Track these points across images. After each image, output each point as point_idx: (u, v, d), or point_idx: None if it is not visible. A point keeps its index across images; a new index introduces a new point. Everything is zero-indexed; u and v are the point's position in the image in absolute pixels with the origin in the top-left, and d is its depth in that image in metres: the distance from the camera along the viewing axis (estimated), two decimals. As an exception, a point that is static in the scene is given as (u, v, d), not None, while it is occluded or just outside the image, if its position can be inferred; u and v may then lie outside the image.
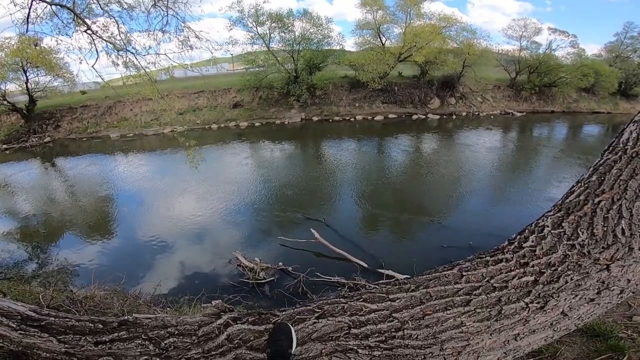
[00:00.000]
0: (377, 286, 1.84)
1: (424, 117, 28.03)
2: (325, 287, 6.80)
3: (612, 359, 2.44)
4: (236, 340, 1.42)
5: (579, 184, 2.08)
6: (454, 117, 28.49)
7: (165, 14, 5.75)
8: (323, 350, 1.41)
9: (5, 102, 25.26)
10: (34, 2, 4.59)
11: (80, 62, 5.65)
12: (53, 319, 1.29)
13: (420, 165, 16.10)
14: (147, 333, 1.36)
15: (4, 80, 24.89)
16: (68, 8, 5.02)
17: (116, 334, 1.33)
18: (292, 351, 1.36)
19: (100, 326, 1.34)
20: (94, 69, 5.72)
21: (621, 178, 1.91)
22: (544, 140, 22.37)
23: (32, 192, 15.15)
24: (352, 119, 27.27)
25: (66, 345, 1.24)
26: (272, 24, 26.22)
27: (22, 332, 1.22)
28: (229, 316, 1.53)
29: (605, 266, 1.65)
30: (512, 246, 1.87)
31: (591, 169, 2.13)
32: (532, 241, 1.82)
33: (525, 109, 31.18)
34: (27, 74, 25.16)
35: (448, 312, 1.53)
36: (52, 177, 18.01)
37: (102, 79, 6.40)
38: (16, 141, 24.35)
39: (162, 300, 5.53)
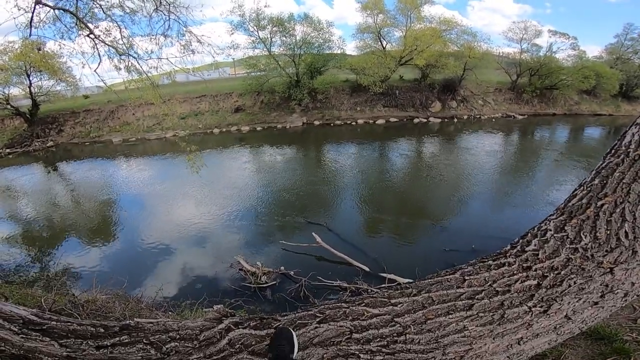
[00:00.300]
0: (379, 291, 1.84)
1: (425, 120, 28.00)
2: (327, 291, 6.78)
3: (617, 362, 2.42)
4: (238, 345, 1.41)
5: (582, 188, 2.07)
6: (456, 120, 28.47)
7: (167, 19, 5.78)
8: (325, 355, 1.40)
9: (8, 107, 25.43)
10: (37, 6, 4.62)
11: (83, 67, 5.71)
12: (55, 323, 1.29)
13: (422, 169, 16.08)
14: (149, 337, 1.35)
15: (7, 84, 25.09)
16: (71, 12, 5.06)
17: (118, 338, 1.33)
18: (294, 356, 1.36)
19: (102, 330, 1.34)
20: (96, 73, 5.77)
21: (624, 181, 1.90)
22: (545, 143, 22.32)
23: (34, 197, 15.22)
24: (354, 123, 27.26)
25: (68, 349, 1.24)
26: (273, 28, 26.34)
27: (24, 336, 1.22)
28: (231, 321, 1.52)
29: (608, 269, 1.64)
30: (515, 250, 1.86)
31: (593, 172, 2.12)
32: (535, 245, 1.82)
33: (526, 111, 31.15)
34: (31, 78, 25.36)
35: (450, 316, 1.52)
36: (54, 182, 18.06)
37: (105, 83, 6.43)
38: (19, 145, 24.48)
39: (164, 304, 5.53)
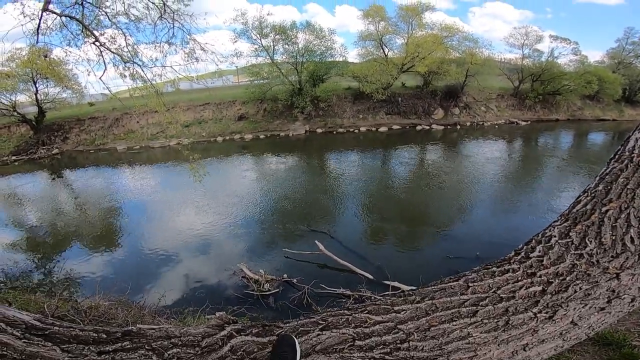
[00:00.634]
0: (382, 298, 1.82)
1: (428, 127, 27.99)
2: (330, 299, 6.73)
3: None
4: (240, 352, 1.40)
5: (586, 194, 2.06)
6: (458, 127, 28.43)
7: (172, 26, 5.87)
8: (327, 362, 1.39)
9: (15, 113, 25.72)
10: (44, 14, 4.70)
11: (89, 74, 5.78)
12: (57, 328, 1.29)
13: (425, 177, 16.03)
14: (151, 343, 1.35)
15: (14, 91, 25.40)
16: (77, 20, 5.14)
17: (120, 344, 1.33)
18: None
19: (104, 336, 1.33)
20: (102, 80, 5.84)
21: (628, 187, 1.88)
22: (549, 149, 22.23)
23: (39, 203, 15.33)
24: (356, 131, 27.29)
25: (69, 355, 1.24)
26: (276, 36, 26.58)
27: (26, 341, 1.22)
28: (233, 328, 1.52)
29: (615, 275, 1.62)
30: (519, 256, 1.85)
31: (597, 178, 2.11)
32: (539, 251, 1.80)
33: (529, 117, 31.11)
34: (37, 85, 25.64)
35: (454, 323, 1.50)
36: (59, 189, 18.19)
37: (110, 90, 6.52)
38: (25, 153, 24.72)
39: (166, 311, 5.51)
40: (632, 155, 2.03)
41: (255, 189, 14.60)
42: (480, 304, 1.56)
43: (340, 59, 29.54)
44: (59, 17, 5.00)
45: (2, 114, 25.37)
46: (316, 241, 8.65)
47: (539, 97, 31.23)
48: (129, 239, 10.61)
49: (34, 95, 25.97)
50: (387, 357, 1.41)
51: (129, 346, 1.33)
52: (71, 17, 5.10)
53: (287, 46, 27.13)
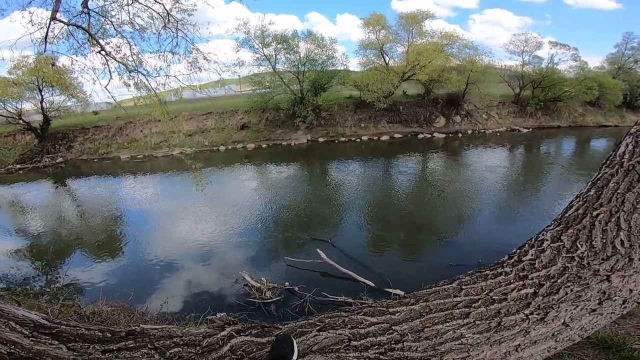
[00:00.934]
0: (377, 302, 1.87)
1: (429, 136, 28.01)
2: (332, 307, 6.71)
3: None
4: (239, 352, 1.45)
5: (578, 199, 2.11)
6: (460, 135, 28.44)
7: (175, 36, 6.00)
8: (324, 362, 1.43)
9: (21, 121, 25.96)
10: (52, 22, 4.82)
11: (94, 83, 5.87)
12: (64, 327, 1.34)
13: (427, 185, 16.04)
14: (154, 342, 1.40)
15: (20, 99, 25.66)
16: (83, 28, 5.27)
17: (123, 343, 1.37)
18: (293, 358, 1.39)
19: (109, 335, 1.38)
20: (107, 89, 5.94)
21: (618, 191, 1.93)
22: (551, 157, 22.23)
23: (43, 211, 15.47)
24: (358, 140, 27.33)
25: (75, 353, 1.29)
26: (278, 45, 26.77)
27: (34, 339, 1.26)
28: (233, 328, 1.56)
29: (605, 277, 1.65)
30: (512, 260, 1.89)
31: (590, 183, 2.16)
32: (532, 255, 1.84)
33: (531, 124, 31.14)
34: (43, 93, 25.88)
35: (447, 324, 1.54)
36: (63, 198, 18.34)
37: (114, 99, 6.62)
38: (30, 161, 24.91)
39: (168, 317, 5.54)
40: (623, 160, 2.08)
41: (258, 198, 14.67)
42: (473, 305, 1.59)
43: (342, 68, 29.73)
44: (66, 26, 5.12)
45: (7, 121, 25.65)
46: (318, 249, 8.68)
47: (540, 104, 31.26)
48: (132, 246, 10.67)
49: (40, 104, 26.22)
50: (381, 357, 1.45)
51: (132, 345, 1.38)
52: (78, 26, 5.23)
53: (288, 55, 27.37)
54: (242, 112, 28.41)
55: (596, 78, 30.34)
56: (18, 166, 23.85)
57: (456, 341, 1.49)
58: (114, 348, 1.33)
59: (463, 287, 1.70)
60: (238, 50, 26.94)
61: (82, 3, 5.11)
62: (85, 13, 5.23)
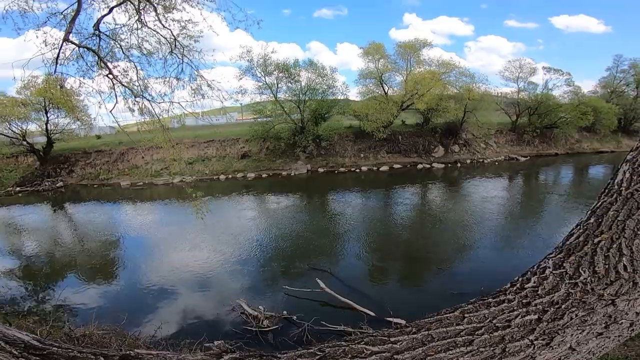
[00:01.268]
0: (378, 331, 1.84)
1: (428, 166, 28.06)
2: (331, 336, 6.52)
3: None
4: (236, 381, 1.40)
5: (579, 227, 2.13)
6: (459, 165, 28.51)
7: (181, 62, 6.19)
8: (323, 393, 1.38)
9: (24, 143, 26.11)
10: (64, 44, 4.98)
11: (100, 106, 5.98)
12: (55, 349, 1.29)
13: (426, 216, 15.98)
14: (147, 369, 1.35)
15: (26, 119, 25.91)
16: (93, 51, 5.44)
17: (117, 369, 1.33)
18: None
19: (102, 359, 1.34)
20: (112, 113, 6.06)
21: (618, 219, 1.94)
22: (550, 185, 22.30)
23: (39, 234, 15.39)
24: (358, 170, 27.34)
25: (66, 379, 1.24)
26: (280, 74, 27.24)
27: (24, 361, 1.22)
28: (230, 356, 1.51)
29: (610, 301, 1.64)
30: (514, 288, 1.88)
31: (589, 212, 2.18)
32: (534, 282, 1.83)
33: (529, 153, 31.44)
34: (48, 115, 26.21)
35: (450, 352, 1.50)
36: (60, 221, 18.25)
37: (118, 124, 6.73)
38: (30, 184, 24.90)
39: (162, 342, 5.39)
40: (621, 188, 2.10)
41: (257, 227, 14.57)
42: (476, 333, 1.56)
43: (342, 97, 30.27)
44: (77, 48, 5.29)
45: (11, 142, 25.85)
46: (317, 279, 8.57)
47: (536, 131, 31.60)
48: (127, 271, 10.54)
49: (44, 125, 26.51)
50: (383, 387, 1.40)
51: (125, 372, 1.33)
52: (88, 48, 5.41)
53: (290, 84, 27.83)
54: (243, 140, 28.61)
55: (590, 103, 30.89)
56: (18, 189, 23.80)
57: (460, 371, 1.45)
58: (107, 374, 1.29)
59: (465, 315, 1.67)
60: (241, 79, 27.39)
61: (94, 25, 5.32)
62: (96, 35, 5.43)
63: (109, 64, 5.71)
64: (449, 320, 1.66)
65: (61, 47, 5.02)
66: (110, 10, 5.36)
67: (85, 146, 28.44)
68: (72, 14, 4.94)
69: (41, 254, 12.58)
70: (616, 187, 2.17)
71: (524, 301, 1.68)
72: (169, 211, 18.71)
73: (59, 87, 6.66)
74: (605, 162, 29.13)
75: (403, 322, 6.80)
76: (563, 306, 1.63)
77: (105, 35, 5.62)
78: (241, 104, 32.94)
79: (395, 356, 1.51)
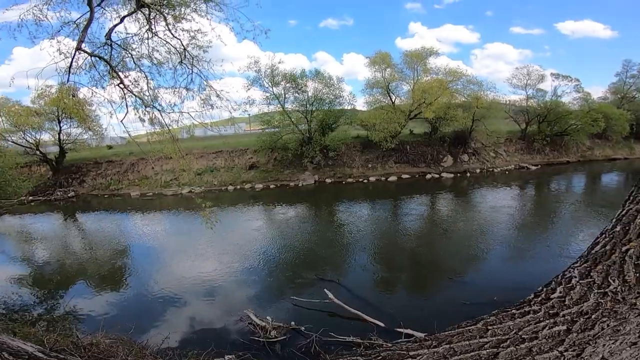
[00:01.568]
0: (395, 344, 1.76)
1: (437, 176, 27.68)
2: (340, 347, 6.40)
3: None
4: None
5: (604, 235, 2.05)
6: (468, 174, 28.09)
7: (190, 72, 6.24)
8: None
9: (37, 153, 26.67)
10: (76, 53, 5.08)
11: (111, 116, 6.04)
12: (61, 362, 1.26)
13: (436, 226, 15.71)
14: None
15: (40, 129, 26.50)
16: (105, 60, 5.54)
17: (123, 382, 1.27)
18: None
19: (108, 372, 1.29)
20: (123, 123, 6.12)
21: (647, 226, 1.85)
22: (562, 194, 21.85)
23: (50, 242, 15.65)
24: (365, 181, 27.07)
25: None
26: (287, 84, 27.35)
27: (29, 374, 1.18)
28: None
29: (644, 310, 1.54)
30: (539, 298, 1.80)
31: (614, 220, 2.11)
32: (560, 292, 1.76)
33: (539, 161, 30.96)
34: (61, 125, 26.75)
35: (474, 366, 1.42)
36: (71, 230, 18.45)
37: (129, 134, 6.79)
38: (42, 194, 25.34)
39: (169, 353, 5.33)
40: (647, 196, 2.01)
41: (264, 238, 14.50)
42: (501, 345, 1.48)
43: (349, 107, 30.10)
44: (89, 57, 5.40)
45: (25, 152, 26.42)
46: (325, 289, 8.46)
47: (546, 139, 31.08)
48: (136, 280, 10.55)
49: (57, 135, 27.07)
50: (403, 404, 1.32)
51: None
52: (100, 57, 5.51)
53: (297, 94, 27.88)
54: (251, 151, 28.72)
55: (601, 109, 30.28)
56: (30, 198, 24.17)
57: (485, 386, 1.36)
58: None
59: (489, 327, 1.60)
60: (249, 89, 27.46)
61: (106, 34, 5.43)
62: (108, 45, 5.54)
63: (120, 73, 5.79)
64: (471, 332, 1.59)
65: (74, 56, 5.11)
66: (122, 19, 5.46)
67: (96, 156, 28.92)
68: (85, 23, 5.04)
69: (52, 262, 12.74)
70: (642, 194, 2.08)
71: (550, 312, 1.60)
72: (177, 221, 18.78)
73: (71, 96, 6.76)
74: (619, 169, 28.51)
75: (414, 333, 6.62)
76: (593, 316, 1.56)
77: (117, 44, 5.73)
78: (249, 114, 33.15)
79: (414, 370, 1.43)
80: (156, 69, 6.28)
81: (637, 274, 1.66)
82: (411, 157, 29.22)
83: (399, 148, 28.80)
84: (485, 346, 1.50)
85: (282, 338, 6.94)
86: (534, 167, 29.63)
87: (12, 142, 25.86)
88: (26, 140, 26.42)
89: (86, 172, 27.87)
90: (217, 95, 6.59)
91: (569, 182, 25.69)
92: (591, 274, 1.79)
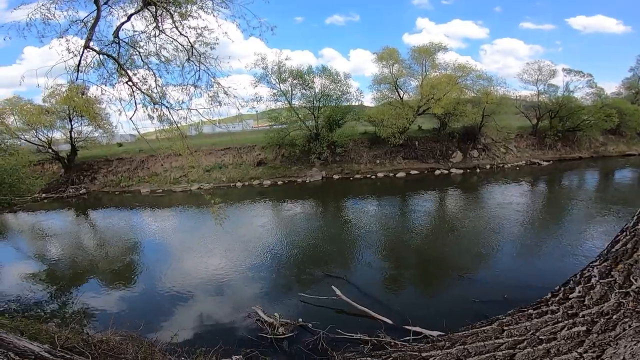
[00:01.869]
0: (407, 344, 1.71)
1: (446, 172, 27.40)
2: (347, 344, 6.37)
3: None
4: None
5: (624, 233, 1.96)
6: (478, 170, 27.75)
7: (198, 69, 6.23)
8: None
9: (50, 151, 27.21)
10: (84, 51, 5.10)
11: (120, 114, 6.06)
12: (66, 361, 1.24)
13: (445, 222, 15.53)
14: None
15: (52, 127, 27.01)
16: (113, 58, 5.55)
17: (128, 381, 1.25)
18: None
19: (113, 372, 1.27)
20: (132, 121, 6.15)
21: (671, 222, 1.77)
22: (574, 190, 21.44)
23: (63, 239, 15.91)
24: (373, 177, 26.96)
25: (75, 392, 1.17)
26: (294, 81, 27.30)
27: (33, 374, 1.16)
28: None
29: (669, 315, 1.46)
30: (557, 298, 1.73)
31: (635, 217, 2.02)
32: (579, 292, 1.68)
33: (551, 157, 30.44)
34: (72, 123, 27.28)
35: (490, 368, 1.36)
36: (83, 227, 18.75)
37: (138, 132, 6.83)
38: (55, 191, 25.81)
39: (177, 349, 5.36)
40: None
41: (272, 234, 14.52)
42: (518, 347, 1.42)
43: (356, 103, 29.96)
44: (97, 55, 5.42)
45: (38, 149, 26.97)
46: (333, 286, 8.43)
47: (558, 135, 30.55)
48: (146, 277, 10.67)
49: (69, 133, 27.58)
50: (415, 406, 1.28)
51: (137, 384, 1.25)
52: (108, 55, 5.52)
53: (304, 91, 27.83)
54: (259, 148, 28.82)
55: (615, 104, 29.73)
56: (43, 195, 24.57)
57: (501, 389, 1.31)
58: (118, 386, 1.21)
59: (505, 327, 1.53)
60: (256, 86, 27.50)
61: (114, 32, 5.44)
62: (115, 43, 5.55)
63: (128, 71, 5.80)
64: (487, 333, 1.52)
65: (82, 54, 5.13)
66: (129, 17, 5.46)
67: (107, 154, 29.35)
68: (92, 21, 5.05)
69: (64, 258, 12.98)
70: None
71: (569, 312, 1.52)
72: (186, 218, 18.94)
73: (80, 94, 6.80)
74: (633, 165, 27.83)
75: (423, 330, 6.56)
76: (614, 317, 1.48)
77: (125, 42, 5.73)
78: (257, 111, 33.24)
79: (426, 372, 1.38)
80: (164, 67, 6.28)
81: (662, 274, 1.58)
82: (420, 152, 28.97)
83: (407, 144, 28.56)
84: (501, 347, 1.44)
85: (289, 335, 6.95)
86: (545, 163, 29.12)
87: (25, 140, 26.33)
88: (38, 138, 26.93)
89: (97, 170, 28.29)
90: (225, 92, 6.55)
91: (581, 178, 25.19)
92: (612, 273, 1.71)
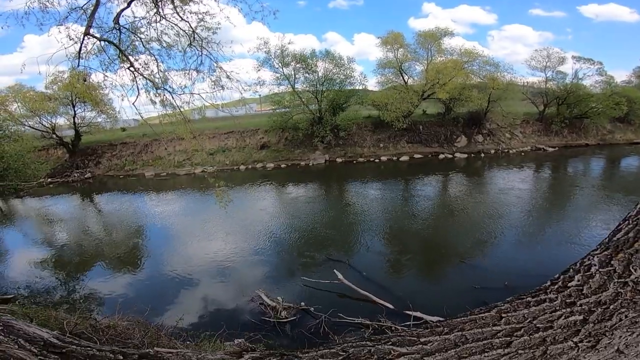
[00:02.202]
0: (405, 329, 1.74)
1: (450, 156, 27.32)
2: (348, 329, 6.49)
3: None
4: (256, 379, 1.34)
5: (627, 222, 1.95)
6: (483, 155, 27.64)
7: (200, 54, 6.16)
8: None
9: (54, 136, 27.35)
10: (85, 38, 5.06)
11: (122, 99, 6.05)
12: (74, 347, 1.27)
13: (448, 207, 15.58)
14: (166, 367, 1.31)
15: (55, 113, 27.09)
16: (114, 44, 5.50)
17: (135, 366, 1.29)
18: None
19: (121, 357, 1.30)
20: (134, 106, 6.13)
21: (674, 213, 1.76)
22: (579, 177, 21.29)
23: (69, 224, 16.09)
24: (377, 160, 26.96)
25: (84, 375, 1.21)
26: (297, 65, 27.07)
27: (42, 358, 1.20)
28: (251, 355, 1.47)
29: (665, 303, 1.47)
30: (556, 286, 1.74)
31: (638, 205, 2.00)
32: (578, 280, 1.69)
33: (557, 143, 30.12)
34: (75, 109, 27.28)
35: (486, 354, 1.39)
36: (89, 211, 18.96)
37: (141, 116, 6.82)
38: (60, 176, 25.99)
39: (183, 333, 5.50)
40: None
41: (275, 218, 14.64)
42: (515, 334, 1.44)
43: (360, 87, 29.69)
44: (98, 42, 5.37)
45: (42, 135, 27.09)
46: (335, 270, 8.52)
47: (565, 122, 30.19)
48: (151, 261, 10.82)
49: (72, 119, 27.66)
50: (413, 391, 1.31)
51: (144, 368, 1.29)
52: (109, 42, 5.48)
53: (307, 75, 27.60)
54: (262, 131, 28.75)
55: (624, 93, 29.26)
56: (49, 180, 24.75)
57: (497, 375, 1.34)
58: (125, 371, 1.25)
59: (503, 315, 1.56)
60: (259, 70, 27.38)
61: (114, 19, 5.36)
62: (116, 29, 5.48)
63: (130, 57, 5.75)
64: (485, 320, 1.55)
65: (82, 41, 5.07)
66: (129, 3, 5.35)
67: (111, 138, 29.41)
68: (92, 8, 4.97)
69: (71, 244, 13.13)
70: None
71: (567, 301, 1.55)
72: (190, 201, 19.10)
73: (82, 81, 6.76)
74: (639, 153, 27.55)
75: (423, 316, 6.66)
76: (611, 306, 1.50)
77: (125, 28, 5.65)
78: (260, 95, 32.98)
79: (425, 358, 1.41)
80: (166, 52, 6.22)
81: (662, 264, 1.58)
82: (424, 137, 28.83)
83: (411, 128, 28.39)
84: (498, 335, 1.46)
85: (292, 319, 7.08)
86: (551, 149, 28.86)
87: (29, 126, 26.37)
88: (42, 124, 26.99)
89: (101, 154, 28.41)
90: (228, 77, 6.49)
91: (586, 165, 24.98)
92: (612, 262, 1.72)
